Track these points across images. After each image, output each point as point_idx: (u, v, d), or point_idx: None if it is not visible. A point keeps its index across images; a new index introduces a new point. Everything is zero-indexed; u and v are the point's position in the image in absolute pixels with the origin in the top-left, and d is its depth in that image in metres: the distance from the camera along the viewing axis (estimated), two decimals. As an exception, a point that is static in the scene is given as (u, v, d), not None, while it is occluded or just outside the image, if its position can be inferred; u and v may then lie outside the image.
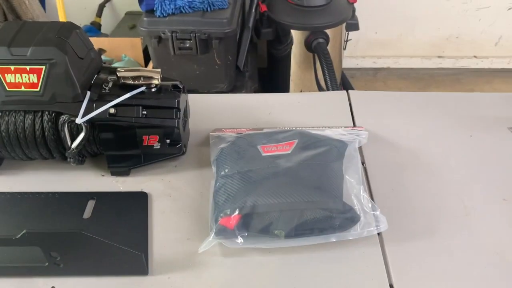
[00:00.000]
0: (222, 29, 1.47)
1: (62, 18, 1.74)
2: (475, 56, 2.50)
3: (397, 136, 0.81)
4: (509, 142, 0.80)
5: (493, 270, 0.59)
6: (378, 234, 0.62)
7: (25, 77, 0.64)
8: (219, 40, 1.49)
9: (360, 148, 0.75)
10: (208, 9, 1.48)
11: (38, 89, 0.65)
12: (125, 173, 0.74)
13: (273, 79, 2.00)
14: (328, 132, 0.72)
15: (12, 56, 0.63)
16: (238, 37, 1.63)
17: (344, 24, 1.81)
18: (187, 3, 1.44)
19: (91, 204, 0.69)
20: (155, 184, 0.73)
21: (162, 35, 1.46)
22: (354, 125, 0.82)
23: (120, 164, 0.73)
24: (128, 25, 2.08)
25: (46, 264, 0.57)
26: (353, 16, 1.83)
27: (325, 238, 0.59)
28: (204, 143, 0.81)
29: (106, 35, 2.07)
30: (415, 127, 0.84)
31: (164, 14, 1.45)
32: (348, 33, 1.90)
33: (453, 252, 0.61)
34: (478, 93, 1.02)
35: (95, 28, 2.10)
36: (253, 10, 1.77)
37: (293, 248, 0.60)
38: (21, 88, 0.65)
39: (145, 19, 1.48)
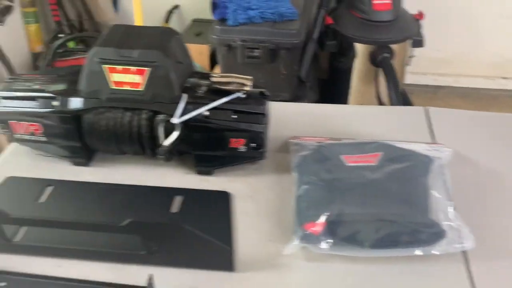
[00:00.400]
0: (291, 40, 1.50)
1: (138, 23, 1.83)
2: (542, 79, 2.41)
3: (478, 155, 0.80)
4: None
5: None
6: (463, 251, 0.62)
7: (130, 77, 0.69)
8: (286, 50, 1.53)
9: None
10: (279, 19, 1.51)
11: (140, 89, 0.70)
12: (209, 173, 0.77)
13: (333, 91, 2.01)
14: (413, 147, 0.72)
15: (120, 57, 0.68)
16: (302, 47, 1.65)
17: (409, 40, 1.79)
18: (258, 14, 1.49)
19: (178, 200, 0.72)
20: (237, 185, 0.76)
21: (232, 43, 1.51)
22: (434, 142, 0.82)
23: (206, 164, 0.77)
24: (195, 32, 2.16)
25: (143, 252, 0.61)
26: (419, 32, 1.82)
27: (410, 251, 0.60)
28: (281, 149, 0.83)
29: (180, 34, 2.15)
30: (495, 147, 0.83)
31: (236, 24, 1.49)
32: (412, 49, 1.88)
33: (541, 277, 0.60)
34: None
35: (163, 33, 2.19)
36: (319, 22, 1.79)
37: (376, 258, 0.61)
38: (125, 87, 0.70)
39: (217, 27, 1.53)
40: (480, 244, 0.62)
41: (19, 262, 0.62)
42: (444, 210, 0.62)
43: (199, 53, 1.84)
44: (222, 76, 0.72)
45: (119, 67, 0.68)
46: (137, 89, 0.70)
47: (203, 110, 0.70)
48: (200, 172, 0.77)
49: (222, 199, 0.73)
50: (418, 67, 2.42)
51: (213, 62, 1.88)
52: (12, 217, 0.59)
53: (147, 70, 0.68)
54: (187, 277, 0.61)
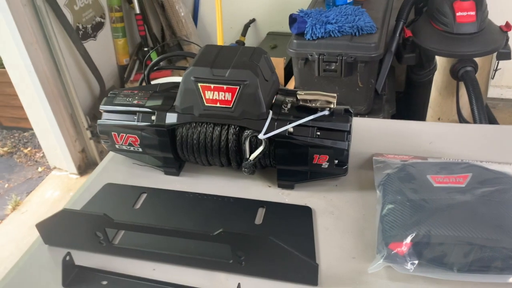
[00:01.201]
0: (369, 54, 1.49)
1: (219, 37, 1.90)
2: None
3: None
4: None
5: None
6: (562, 283, 0.59)
7: (222, 94, 0.73)
8: (364, 64, 1.52)
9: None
10: (357, 33, 1.51)
11: (230, 106, 0.73)
12: (290, 186, 0.80)
13: (410, 103, 1.96)
14: (504, 168, 0.70)
15: (213, 76, 0.73)
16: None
17: (495, 53, 1.71)
18: (336, 28, 1.49)
19: (261, 212, 0.75)
20: (318, 200, 0.78)
21: (310, 57, 1.53)
22: (527, 164, 0.78)
23: (288, 178, 0.79)
24: (270, 45, 2.21)
25: (231, 261, 0.64)
26: (506, 45, 1.73)
27: (502, 278, 0.58)
28: (363, 165, 0.84)
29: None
30: None
31: (314, 38, 1.51)
32: (498, 62, 1.79)
33: None
34: None
35: (239, 47, 2.26)
36: (397, 35, 1.76)
37: (464, 282, 0.60)
38: (217, 104, 0.74)
39: (294, 41, 1.56)
40: None
41: (118, 263, 0.68)
42: (541, 238, 0.59)
43: (274, 66, 1.88)
44: (307, 94, 0.74)
45: (212, 86, 0.73)
46: (228, 106, 0.74)
47: (289, 127, 0.72)
48: (282, 186, 0.80)
49: (304, 213, 0.75)
50: (503, 80, 2.29)
51: (288, 74, 1.91)
52: (115, 222, 0.64)
53: (237, 88, 0.72)
54: (272, 287, 0.64)
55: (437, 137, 0.89)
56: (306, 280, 0.63)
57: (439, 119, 1.89)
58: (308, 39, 1.52)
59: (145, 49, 2.35)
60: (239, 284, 0.60)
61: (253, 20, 2.35)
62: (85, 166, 2.23)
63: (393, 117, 1.83)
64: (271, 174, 0.81)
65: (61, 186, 2.20)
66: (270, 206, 0.76)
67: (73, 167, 2.18)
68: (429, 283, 0.61)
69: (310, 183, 0.80)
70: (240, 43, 2.29)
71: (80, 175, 2.21)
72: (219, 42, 1.90)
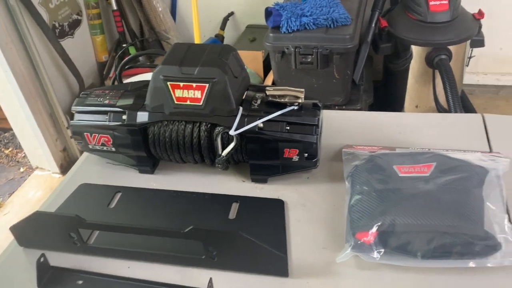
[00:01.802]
0: (344, 45, 1.51)
1: (196, 31, 1.90)
2: None
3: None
4: None
5: None
6: (520, 265, 0.61)
7: (191, 92, 0.74)
8: (339, 55, 1.53)
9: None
10: (332, 25, 1.52)
11: (200, 103, 0.74)
12: (263, 181, 0.81)
13: (388, 92, 1.99)
14: (467, 157, 0.72)
15: (182, 74, 0.74)
16: (356, 51, 1.65)
17: (468, 40, 1.74)
18: (311, 20, 1.51)
19: (235, 206, 0.77)
20: (290, 193, 0.79)
21: (286, 50, 1.54)
22: (491, 151, 0.81)
23: (261, 172, 0.80)
24: (249, 38, 2.21)
25: (203, 257, 0.65)
26: (479, 32, 1.76)
27: (463, 263, 0.60)
28: (334, 157, 0.85)
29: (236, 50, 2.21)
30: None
31: (290, 31, 1.52)
32: (472, 50, 1.82)
33: None
34: None
35: (219, 41, 2.26)
36: (373, 25, 1.78)
37: (428, 269, 0.62)
38: (186, 102, 0.75)
39: (271, 34, 1.57)
40: (538, 257, 0.61)
41: (94, 262, 0.69)
42: (500, 222, 0.62)
43: (253, 59, 1.89)
44: (276, 89, 0.76)
45: (181, 84, 0.74)
46: (198, 104, 0.75)
47: (259, 122, 0.74)
48: (255, 180, 0.81)
49: (276, 206, 0.76)
50: (479, 67, 2.33)
51: (267, 67, 1.92)
52: (87, 222, 0.65)
53: (206, 86, 0.73)
54: (244, 280, 0.65)
55: (406, 127, 0.91)
56: (276, 271, 0.65)
57: (416, 107, 1.92)
58: (284, 32, 1.53)
59: (124, 45, 2.33)
60: (210, 279, 0.62)
61: (231, 13, 2.35)
62: (67, 165, 2.22)
63: (371, 106, 1.85)
64: (245, 169, 0.83)
65: (44, 186, 2.19)
66: (244, 201, 0.78)
67: (55, 166, 2.17)
68: (395, 270, 0.64)
69: (283, 177, 0.82)
70: (219, 36, 2.29)
71: (62, 174, 2.20)
72: (196, 37, 1.89)
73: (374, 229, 0.63)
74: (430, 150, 0.77)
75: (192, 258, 0.66)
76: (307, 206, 0.77)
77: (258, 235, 0.70)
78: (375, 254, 0.63)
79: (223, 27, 2.32)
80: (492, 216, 0.63)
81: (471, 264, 0.60)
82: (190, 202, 0.78)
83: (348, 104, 1.71)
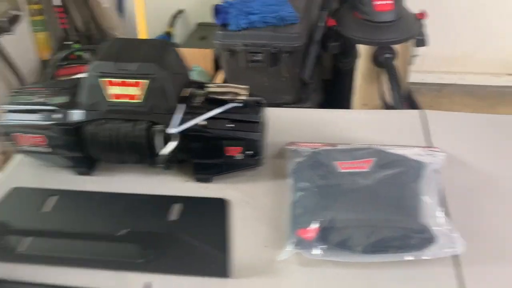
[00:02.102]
0: (292, 44, 1.51)
1: (141, 28, 1.85)
2: (549, 75, 2.38)
3: (473, 159, 0.81)
4: None
5: None
6: (454, 256, 0.63)
7: (128, 89, 0.71)
8: (288, 54, 1.54)
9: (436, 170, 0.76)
10: (280, 23, 1.53)
11: (138, 101, 0.72)
12: (207, 180, 0.79)
13: (337, 91, 2.02)
14: (405, 152, 0.73)
15: (118, 70, 0.71)
16: (304, 50, 1.67)
17: (412, 40, 1.80)
18: (260, 18, 1.50)
19: (176, 207, 0.74)
20: (235, 192, 0.78)
21: (235, 48, 1.53)
22: (429, 146, 0.83)
23: (204, 171, 0.78)
24: (199, 36, 2.18)
25: (141, 260, 0.63)
26: (422, 32, 1.82)
27: (400, 256, 0.61)
28: (278, 155, 0.85)
29: (178, 46, 2.17)
30: (492, 150, 0.83)
31: (238, 28, 1.51)
32: (416, 49, 1.88)
33: (531, 280, 0.61)
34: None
35: (168, 38, 2.21)
36: (321, 24, 1.80)
37: (368, 263, 0.63)
38: (124, 99, 0.72)
39: (219, 32, 1.55)
40: (471, 248, 0.63)
41: (26, 271, 0.65)
42: (435, 215, 0.63)
43: (203, 57, 1.86)
44: (218, 86, 0.74)
45: (117, 80, 0.71)
46: (135, 101, 0.72)
47: (199, 120, 0.72)
48: (199, 180, 0.79)
49: (219, 206, 0.75)
50: (423, 66, 2.41)
51: (217, 66, 1.90)
52: (13, 229, 0.61)
53: (144, 82, 0.70)
54: (185, 283, 0.63)
55: (349, 124, 0.92)
56: (217, 272, 0.63)
57: (364, 105, 1.96)
58: (233, 30, 1.52)
59: (69, 42, 2.24)
60: (147, 283, 0.59)
61: (181, 11, 2.31)
62: (8, 168, 2.10)
63: (321, 105, 1.87)
64: (189, 169, 0.81)
65: (-18, 191, 2.06)
66: (186, 201, 0.76)
67: (-5, 170, 2.05)
68: (337, 266, 0.64)
69: (228, 175, 0.80)
70: (168, 34, 2.25)
71: (3, 178, 2.08)
72: (141, 33, 1.84)
73: (315, 225, 0.63)
74: (371, 146, 0.78)
75: (129, 262, 0.64)
76: (251, 204, 0.76)
77: (198, 236, 0.69)
78: (317, 251, 0.62)
79: (172, 24, 2.27)
80: (428, 209, 0.64)
81: (408, 257, 0.61)
82: (129, 204, 0.75)
83: (298, 102, 1.72)
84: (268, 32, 1.51)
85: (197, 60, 1.91)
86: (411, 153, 0.74)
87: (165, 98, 0.72)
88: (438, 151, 0.77)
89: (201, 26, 2.30)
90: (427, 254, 0.61)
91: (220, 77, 1.77)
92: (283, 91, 1.67)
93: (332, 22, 1.79)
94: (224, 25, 1.55)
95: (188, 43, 2.13)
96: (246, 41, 1.51)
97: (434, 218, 0.63)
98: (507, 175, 0.78)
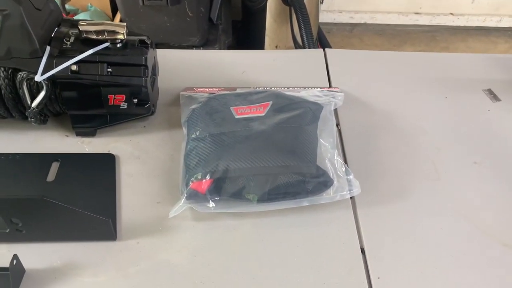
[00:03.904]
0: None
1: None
2: (451, 14, 2.48)
3: (372, 98, 0.79)
4: (483, 105, 0.80)
5: (461, 233, 0.60)
6: (351, 198, 0.62)
7: (-25, 29, 0.58)
8: (191, -9, 1.42)
9: (335, 110, 0.73)
10: (179, -44, 1.38)
11: (-10, 43, 0.59)
12: (90, 133, 0.70)
13: (247, 32, 1.94)
14: (303, 94, 0.69)
15: (-41, 5, 0.57)
16: (211, -13, 1.55)
17: (322, -23, 1.74)
18: (156, -51, 1.35)
19: (55, 166, 0.65)
20: (123, 145, 0.70)
21: (131, -17, 1.37)
22: (330, 86, 0.80)
23: (85, 124, 0.69)
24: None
25: (8, 230, 0.54)
26: (331, -32, 1.77)
27: (298, 202, 0.59)
28: (174, 102, 0.77)
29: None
30: (391, 87, 0.83)
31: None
32: (325, -14, 1.84)
33: (423, 216, 0.62)
34: (454, 53, 1.01)
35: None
36: (227, -41, 1.68)
37: (265, 212, 0.60)
38: (-29, 41, 0.59)
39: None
40: (367, 189, 0.63)
41: None
42: (331, 158, 0.61)
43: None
44: (91, 24, 0.64)
45: (-41, 18, 0.58)
46: (-14, 43, 0.59)
47: (68, 64, 0.61)
48: (80, 134, 0.70)
49: (105, 162, 0.67)
50: (334, 5, 2.40)
51: (115, 6, 1.72)
52: None
53: (-5, 20, 0.58)
54: (63, 249, 0.56)
55: (251, 66, 0.86)
56: (102, 236, 0.57)
57: (276, 46, 1.91)
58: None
59: None
60: (14, 255, 0.51)
61: None
62: None
63: (230, 47, 1.79)
64: (68, 122, 0.71)
65: None
66: (66, 159, 0.67)
67: None
68: (233, 218, 0.60)
69: (115, 127, 0.72)
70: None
71: None
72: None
73: (208, 176, 0.58)
74: (271, 89, 0.73)
75: (-8, 234, 0.55)
76: (141, 158, 0.68)
77: (81, 198, 0.62)
78: (210, 204, 0.58)
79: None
80: (324, 152, 0.62)
81: (305, 203, 0.59)
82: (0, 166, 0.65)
83: (205, 45, 1.62)
84: (167, -34, 1.37)
85: (92, -1, 1.71)
86: (310, 94, 0.70)
87: (25, 39, 0.60)
88: (337, 91, 0.74)
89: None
90: (324, 198, 0.59)
91: (118, 18, 1.61)
92: (188, 32, 1.55)
93: (238, -43, 1.67)
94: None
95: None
96: (142, -24, 1.36)
97: (331, 161, 0.61)
98: (402, 112, 0.77)
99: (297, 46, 1.86)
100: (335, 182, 0.59)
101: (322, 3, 1.88)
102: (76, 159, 0.67)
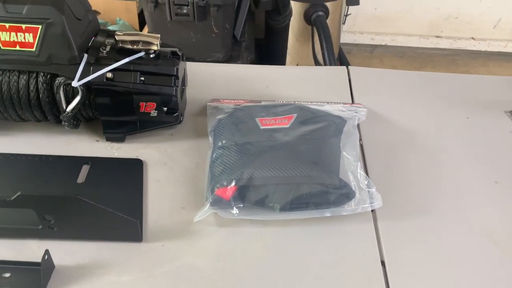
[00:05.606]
0: (221, -3, 1.43)
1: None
2: (472, 38, 2.49)
3: (395, 115, 0.81)
4: (505, 125, 0.81)
5: (481, 251, 0.60)
6: (372, 211, 0.63)
7: (21, 36, 0.62)
8: (217, 8, 1.46)
9: (358, 125, 0.75)
10: (208, -25, 1.43)
11: (33, 49, 0.63)
12: (120, 139, 0.73)
13: (270, 50, 1.97)
14: (327, 108, 0.71)
15: (7, 13, 0.61)
16: (236, 5, 1.59)
17: (344, -2, 1.78)
18: (186, -33, 1.40)
19: (85, 169, 0.68)
20: (151, 152, 0.73)
21: (159, -1, 1.42)
22: (353, 102, 0.82)
23: (116, 130, 0.72)
24: (124, -13, 2.02)
25: (40, 227, 0.57)
26: (354, -10, 1.80)
27: (320, 212, 0.60)
28: (201, 112, 0.80)
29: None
30: (413, 106, 0.84)
31: (162, -22, 1.40)
32: (348, 8, 1.87)
33: (444, 232, 0.62)
34: (476, 75, 1.02)
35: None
36: (253, -21, 1.73)
37: (287, 221, 0.61)
38: (16, 47, 0.63)
39: (142, -19, 1.43)
40: (389, 203, 0.63)
41: None
42: (354, 171, 0.62)
43: (125, 10, 1.73)
44: (127, 34, 0.67)
45: (6, 25, 0.61)
46: (30, 50, 0.63)
47: (104, 71, 0.65)
48: (110, 139, 0.73)
49: (133, 167, 0.69)
50: (355, 26, 2.43)
51: (143, 20, 1.77)
52: None
53: (39, 28, 0.62)
54: (92, 248, 0.58)
55: (274, 81, 0.88)
56: (129, 237, 0.59)
57: (297, 64, 1.94)
58: (157, -20, 1.41)
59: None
60: (46, 251, 0.53)
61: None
62: None
63: (252, 64, 1.82)
64: (99, 127, 0.74)
65: None
66: (96, 162, 0.69)
67: None
68: (256, 225, 0.61)
69: (143, 134, 0.75)
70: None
71: None
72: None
73: (233, 184, 0.60)
74: (294, 102, 0.75)
75: (27, 230, 0.57)
76: (168, 164, 0.71)
77: (110, 199, 0.64)
78: (234, 210, 0.59)
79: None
80: (347, 165, 0.63)
81: (327, 213, 0.60)
82: (31, 167, 0.67)
83: (228, 61, 1.66)
84: (194, -16, 1.41)
85: (121, 13, 1.77)
86: (333, 109, 0.72)
87: (64, 46, 0.63)
88: (360, 107, 0.76)
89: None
90: (346, 210, 0.60)
91: (145, 32, 1.66)
92: (213, 48, 1.59)
93: (264, -23, 1.72)
94: (147, -26, 1.43)
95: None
96: (171, -7, 1.41)
97: (353, 173, 0.62)
98: (424, 131, 0.78)
99: (317, 64, 1.88)
100: (357, 195, 0.60)
101: (344, 23, 1.91)
102: (105, 163, 0.70)
